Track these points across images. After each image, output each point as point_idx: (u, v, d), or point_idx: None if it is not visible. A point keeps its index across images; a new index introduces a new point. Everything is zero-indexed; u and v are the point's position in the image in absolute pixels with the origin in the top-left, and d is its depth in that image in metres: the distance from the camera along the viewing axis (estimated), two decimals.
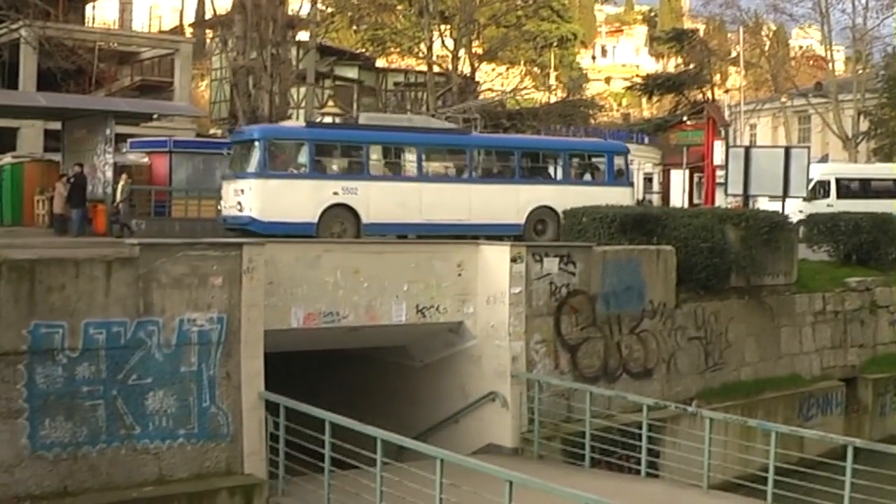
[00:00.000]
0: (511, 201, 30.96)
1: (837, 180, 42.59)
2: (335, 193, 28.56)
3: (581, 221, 26.97)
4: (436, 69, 63.88)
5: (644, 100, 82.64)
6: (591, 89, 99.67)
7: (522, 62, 74.31)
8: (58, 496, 15.68)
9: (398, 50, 71.36)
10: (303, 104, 59.25)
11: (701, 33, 76.81)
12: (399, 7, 70.60)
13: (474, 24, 64.62)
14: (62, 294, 15.88)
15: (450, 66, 63.87)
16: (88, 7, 67.07)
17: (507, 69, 71.51)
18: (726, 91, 76.46)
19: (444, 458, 14.83)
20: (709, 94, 62.89)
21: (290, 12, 56.97)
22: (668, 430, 20.87)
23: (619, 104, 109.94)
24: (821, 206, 37.45)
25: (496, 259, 21.69)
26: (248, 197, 27.78)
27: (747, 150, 35.00)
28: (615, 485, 18.50)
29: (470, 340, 21.84)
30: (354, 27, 76.11)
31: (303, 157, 29.29)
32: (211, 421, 17.16)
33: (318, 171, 29.17)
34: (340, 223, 28.39)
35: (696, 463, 19.21)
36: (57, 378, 15.84)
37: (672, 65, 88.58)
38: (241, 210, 28.02)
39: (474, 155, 31.96)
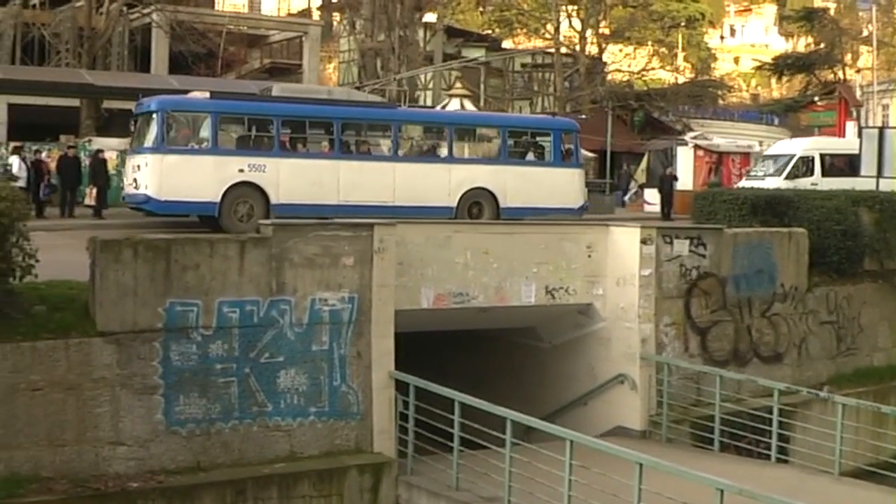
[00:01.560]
0: (441, 182, 29.24)
1: (822, 156, 39.46)
2: (240, 171, 26.90)
3: (712, 203, 26.50)
4: (563, 50, 63.60)
5: (773, 80, 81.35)
6: (720, 69, 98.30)
7: (650, 42, 73.54)
8: (191, 471, 15.93)
9: (525, 31, 71.14)
10: (430, 86, 59.49)
11: (832, 12, 75.46)
12: None
13: (601, 5, 64.15)
14: (197, 273, 16.14)
15: (577, 47, 63.58)
16: None
17: (635, 49, 70.81)
18: (858, 71, 74.92)
19: (574, 439, 14.81)
20: (840, 75, 61.63)
21: None
22: (799, 415, 20.56)
23: (748, 85, 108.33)
24: (804, 185, 36.01)
25: (626, 240, 21.50)
26: (145, 174, 26.19)
27: (881, 130, 33.73)
28: (744, 469, 18.26)
29: (599, 322, 21.70)
30: (481, 8, 76.12)
31: (205, 131, 27.45)
32: (341, 399, 17.31)
33: (221, 146, 27.34)
34: (246, 203, 26.86)
35: (826, 449, 18.88)
36: (191, 355, 16.11)
37: (802, 44, 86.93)
38: (136, 188, 26.66)
39: (400, 131, 30.04)
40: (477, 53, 67.02)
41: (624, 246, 21.52)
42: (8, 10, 51.84)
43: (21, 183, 28.63)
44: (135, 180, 26.88)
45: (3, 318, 14.95)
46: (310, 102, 29.23)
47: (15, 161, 32.43)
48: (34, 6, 53.40)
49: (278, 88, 30.96)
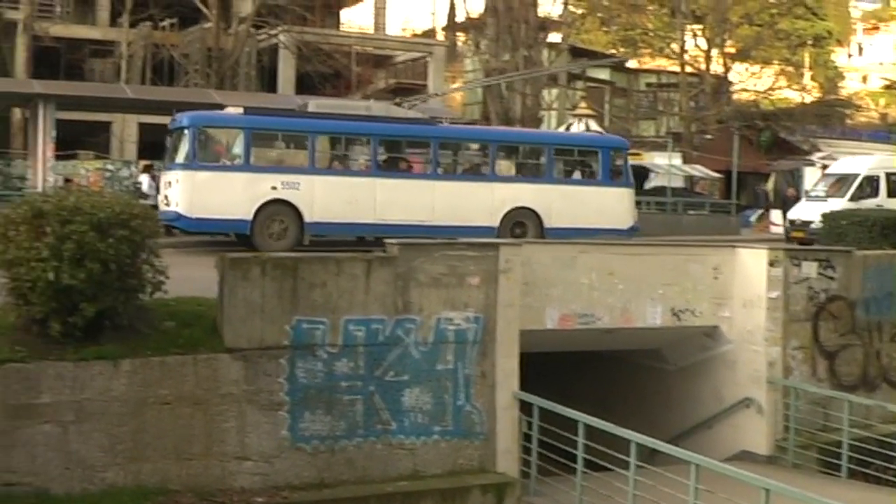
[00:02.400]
0: (483, 201, 28.58)
1: (889, 176, 37.29)
2: (273, 188, 26.54)
3: (840, 225, 26.03)
4: (688, 69, 63.10)
5: None
6: (847, 88, 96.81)
7: (776, 61, 72.65)
8: (315, 487, 15.99)
9: (650, 50, 70.72)
10: (555, 105, 59.38)
11: None
12: (650, 7, 70.02)
13: (727, 23, 63.53)
14: (324, 291, 16.24)
15: (702, 66, 63.03)
16: (344, 12, 68.67)
17: (761, 69, 69.99)
18: None
19: (699, 463, 14.63)
20: None
21: (541, 14, 57.10)
22: None
23: (877, 104, 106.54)
24: (868, 207, 34.56)
25: (753, 262, 21.22)
26: (176, 191, 25.89)
27: None
28: (874, 497, 17.93)
29: (725, 345, 21.43)
30: (605, 28, 75.83)
31: (238, 148, 27.26)
32: (465, 419, 17.28)
33: (254, 163, 27.03)
34: (280, 222, 26.47)
35: None
36: (317, 373, 16.19)
37: None
38: (168, 205, 26.31)
39: (440, 148, 29.39)
40: (601, 73, 66.81)
41: (751, 268, 21.24)
42: (139, 31, 52.91)
43: (151, 201, 29.16)
44: (166, 197, 26.86)
45: (133, 334, 15.20)
46: (347, 118, 28.74)
47: (145, 179, 33.06)
48: (164, 28, 54.41)
49: (314, 104, 30.52)
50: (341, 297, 16.34)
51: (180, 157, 26.90)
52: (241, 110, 28.60)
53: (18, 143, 48.27)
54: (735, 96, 67.25)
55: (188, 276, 17.05)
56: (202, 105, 39.41)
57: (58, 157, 39.61)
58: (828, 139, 63.54)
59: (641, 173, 53.18)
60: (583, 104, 49.37)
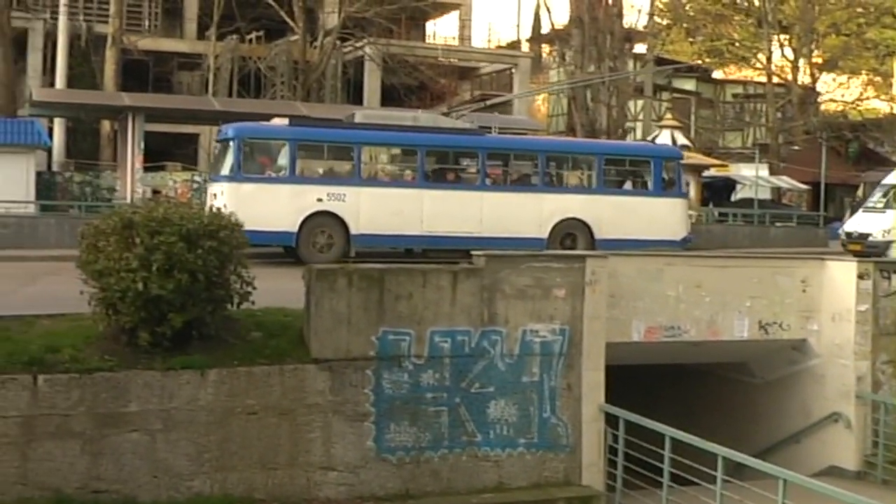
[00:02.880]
0: (531, 212, 28.21)
1: None
2: (319, 200, 26.37)
3: None
4: (775, 80, 62.56)
5: None
6: None
7: (864, 71, 71.85)
8: (399, 498, 16.00)
9: (736, 61, 70.24)
10: (640, 117, 59.15)
11: None
12: (736, 18, 69.57)
13: (814, 33, 62.95)
14: (409, 303, 16.25)
15: (789, 77, 62.47)
16: (429, 24, 68.90)
17: (849, 79, 69.27)
18: None
19: (787, 478, 14.43)
20: None
21: (626, 25, 56.97)
22: None
23: None
24: None
25: (842, 275, 20.89)
26: (221, 203, 25.00)
27: None
28: None
29: (813, 359, 21.12)
30: (691, 39, 75.45)
31: (283, 159, 27.12)
32: (551, 431, 17.19)
33: (299, 174, 26.95)
34: (325, 233, 26.27)
35: None
36: (403, 384, 16.19)
37: None
38: None
39: (488, 159, 28.91)
40: (687, 84, 66.46)
41: (840, 281, 20.91)
42: (226, 44, 53.43)
43: None
44: (211, 208, 26.71)
45: (221, 344, 15.31)
46: (393, 129, 28.56)
47: None
48: (251, 40, 54.90)
49: (361, 115, 30.35)
50: (427, 309, 16.33)
51: (225, 169, 26.98)
52: (286, 121, 28.66)
53: (107, 156, 48.92)
54: (822, 107, 66.59)
55: (273, 287, 17.14)
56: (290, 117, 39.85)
57: (146, 169, 40.10)
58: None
59: (728, 185, 52.86)
60: (668, 115, 49.11)
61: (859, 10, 66.25)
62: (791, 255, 24.67)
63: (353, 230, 26.79)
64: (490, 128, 31.09)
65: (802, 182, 54.78)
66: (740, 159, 58.25)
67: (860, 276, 20.68)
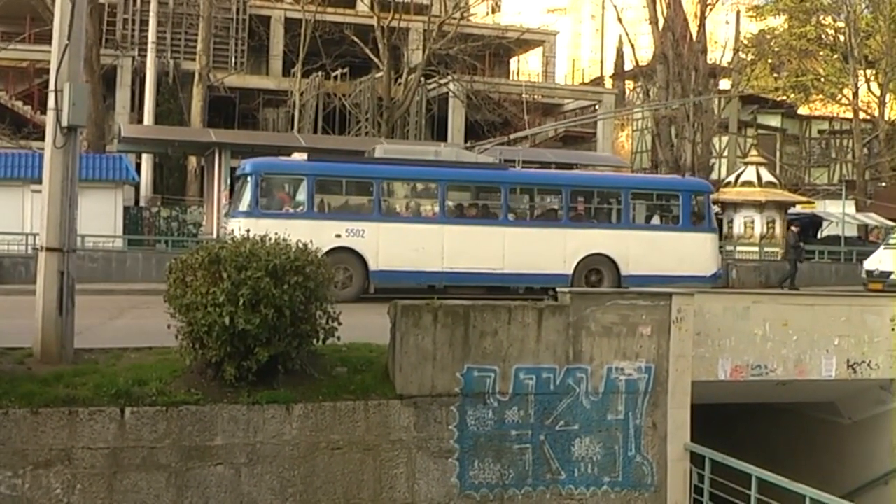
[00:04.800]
0: (555, 248, 27.74)
1: None
2: (338, 236, 26.18)
3: None
4: (861, 115, 61.95)
5: None
6: None
7: None
8: None
9: (821, 96, 69.67)
10: (725, 153, 58.81)
11: None
12: (822, 53, 69.07)
13: None
14: (494, 339, 16.21)
15: (876, 112, 61.82)
16: (513, 61, 69.09)
17: None
18: None
19: None
20: None
21: (711, 61, 56.75)
22: None
23: None
24: None
25: None
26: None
27: None
28: None
29: None
30: (775, 74, 74.98)
31: (301, 195, 27.02)
32: (636, 470, 17.04)
33: (318, 210, 26.73)
34: (344, 270, 25.81)
35: None
36: (487, 421, 16.13)
37: None
38: None
39: (510, 193, 28.43)
40: (773, 120, 66.01)
41: None
42: (311, 81, 53.90)
43: None
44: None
45: (306, 379, 15.36)
46: (414, 164, 28.36)
47: None
48: (335, 77, 55.33)
49: (381, 149, 30.20)
50: (512, 346, 16.29)
51: (243, 205, 26.94)
52: (304, 156, 28.65)
53: (194, 191, 49.48)
54: None
55: (357, 323, 17.18)
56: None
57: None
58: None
59: (815, 222, 52.34)
60: (753, 152, 48.74)
61: None
62: (880, 294, 24.21)
63: (373, 266, 26.70)
64: (515, 161, 30.72)
65: (889, 219, 54.10)
66: (826, 196, 57.69)
67: None
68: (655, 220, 30.39)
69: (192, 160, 50.18)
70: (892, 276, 31.93)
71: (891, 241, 36.76)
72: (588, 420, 16.76)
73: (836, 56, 67.35)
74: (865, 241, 54.25)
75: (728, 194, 43.71)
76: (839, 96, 65.24)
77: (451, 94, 53.94)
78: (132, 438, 14.25)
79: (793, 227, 40.17)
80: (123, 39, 54.80)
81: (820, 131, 69.67)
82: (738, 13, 64.76)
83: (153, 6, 52.28)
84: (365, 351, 16.68)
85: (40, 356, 15.50)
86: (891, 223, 54.00)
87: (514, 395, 16.26)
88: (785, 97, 71.16)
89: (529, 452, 16.39)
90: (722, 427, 20.73)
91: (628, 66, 69.42)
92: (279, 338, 14.69)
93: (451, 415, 15.88)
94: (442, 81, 54.07)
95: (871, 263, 34.37)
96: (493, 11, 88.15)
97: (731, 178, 45.99)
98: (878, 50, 63.01)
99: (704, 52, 54.56)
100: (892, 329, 20.65)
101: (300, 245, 15.50)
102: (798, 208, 49.33)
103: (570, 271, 28.00)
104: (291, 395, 14.99)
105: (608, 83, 75.96)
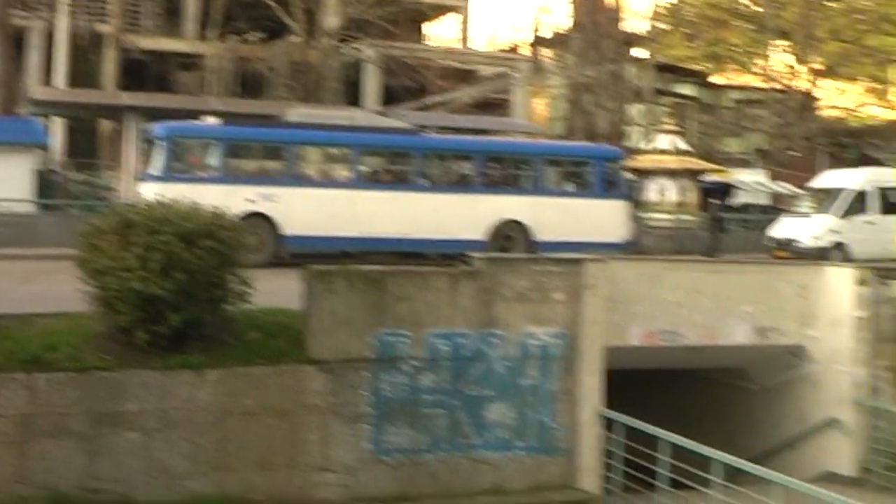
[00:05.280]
0: (468, 214, 27.82)
1: (882, 190, 34.34)
2: (249, 200, 25.98)
3: None
4: (774, 86, 62.54)
5: None
6: None
7: (863, 78, 71.84)
8: (396, 501, 16.00)
9: (735, 66, 70.25)
10: (640, 122, 59.13)
11: None
12: (736, 23, 69.60)
13: (813, 39, 62.96)
14: (408, 305, 16.24)
15: (789, 83, 62.47)
16: (430, 26, 68.85)
17: (848, 85, 69.32)
18: None
19: (784, 483, 14.46)
20: None
21: (627, 29, 57.00)
22: None
23: None
24: (859, 223, 32.77)
25: (841, 281, 20.91)
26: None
27: None
28: None
29: (811, 365, 21.15)
30: (690, 44, 75.43)
31: (213, 159, 26.89)
32: (549, 435, 17.18)
33: (229, 174, 26.58)
34: (257, 235, 25.33)
35: None
36: (401, 386, 16.19)
37: None
38: None
39: (424, 159, 28.68)
40: (687, 89, 66.41)
41: (838, 287, 20.94)
42: (226, 44, 53.37)
43: None
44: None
45: (219, 344, 15.30)
46: (327, 129, 28.22)
47: None
48: (250, 41, 54.80)
49: (294, 114, 30.01)
50: (426, 311, 16.33)
51: (155, 169, 26.62)
52: (218, 120, 28.49)
53: (107, 155, 48.82)
54: (822, 113, 66.59)
55: (274, 288, 17.12)
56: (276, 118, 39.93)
57: None
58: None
59: (727, 190, 52.82)
60: (668, 120, 49.01)
61: (859, 16, 66.26)
62: (790, 262, 24.55)
63: (286, 232, 26.54)
64: (428, 128, 30.33)
65: (801, 188, 54.75)
66: (739, 164, 58.20)
67: (859, 282, 20.70)
68: (568, 186, 30.38)
69: (105, 123, 49.52)
70: (797, 244, 32.19)
71: (796, 210, 37.06)
72: (502, 385, 16.86)
73: (750, 26, 67.87)
74: (778, 209, 54.85)
75: (642, 162, 43.84)
76: (753, 66, 65.83)
77: (366, 59, 53.67)
78: (43, 404, 14.14)
79: (714, 199, 40.36)
80: (35, 0, 53.87)
81: (733, 100, 70.16)
82: None
83: None
84: (279, 316, 16.61)
85: None
86: (802, 192, 54.72)
87: (428, 361, 16.33)
88: (700, 66, 71.62)
89: (443, 417, 16.49)
90: (638, 394, 20.93)
91: (547, 34, 69.50)
92: (192, 303, 14.61)
93: (365, 380, 15.91)
94: (357, 46, 53.80)
95: (777, 231, 34.58)
96: None
97: (646, 145, 46.22)
98: (791, 21, 63.61)
99: (620, 19, 54.83)
100: (802, 296, 20.97)
101: (213, 209, 15.35)
102: (711, 176, 49.70)
103: (485, 237, 27.96)
104: (204, 360, 14.94)
105: (525, 50, 75.96)
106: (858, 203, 33.90)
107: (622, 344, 18.80)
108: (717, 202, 39.66)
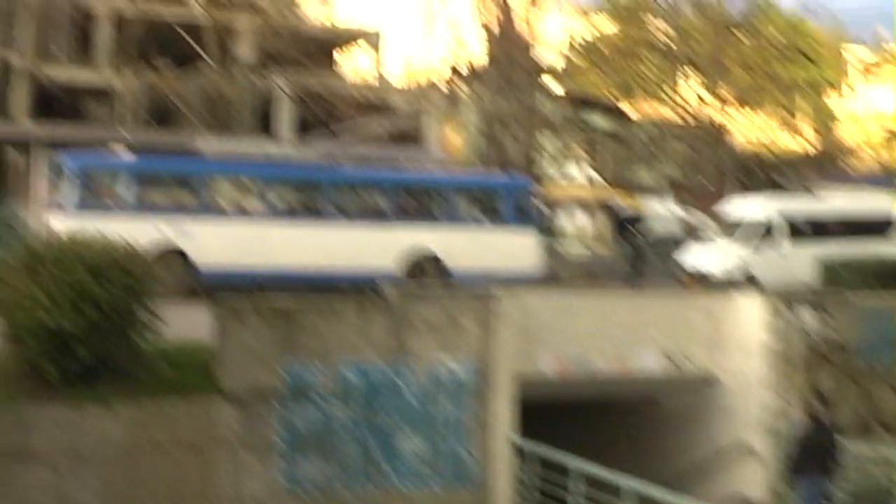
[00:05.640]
0: (380, 245, 27.69)
1: (790, 220, 34.37)
2: (162, 234, 25.51)
3: (836, 271, 25.89)
4: (685, 116, 63.16)
5: None
6: (846, 136, 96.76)
7: (772, 107, 72.75)
8: None
9: (647, 97, 70.86)
10: (552, 152, 59.48)
11: None
12: (646, 53, 70.28)
13: (722, 68, 63.68)
14: (318, 336, 16.25)
15: (700, 114, 63.11)
16: (341, 56, 68.87)
17: (757, 115, 70.10)
18: None
19: None
20: None
21: (540, 62, 57.36)
22: None
23: (877, 152, 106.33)
24: (770, 255, 33.09)
25: (749, 308, 21.18)
26: None
27: None
28: None
29: (722, 391, 21.42)
30: (601, 74, 76.04)
31: (125, 191, 26.37)
32: (462, 466, 17.23)
33: (141, 206, 26.12)
34: (169, 268, 24.77)
35: None
36: (312, 417, 16.20)
37: None
38: None
39: (335, 190, 28.55)
40: (598, 119, 66.90)
41: (747, 313, 21.20)
42: (138, 76, 53.07)
43: None
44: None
45: (130, 378, 15.19)
46: (240, 161, 28.23)
47: None
48: (164, 73, 54.53)
49: (206, 145, 29.93)
50: (337, 342, 16.35)
51: (64, 200, 26.15)
52: (128, 151, 28.15)
53: (17, 188, 48.26)
54: (732, 143, 67.33)
55: (183, 322, 17.04)
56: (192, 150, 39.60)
57: None
58: (827, 186, 63.51)
59: (639, 219, 53.27)
60: (579, 150, 49.40)
61: (767, 46, 67.11)
62: (699, 290, 24.81)
63: (198, 264, 26.20)
64: (339, 158, 30.16)
65: (711, 217, 55.34)
66: (651, 194, 58.71)
67: (766, 310, 20.95)
68: (480, 217, 30.23)
69: (15, 155, 48.97)
70: (707, 272, 32.49)
71: (705, 239, 37.33)
72: (413, 416, 16.91)
73: (661, 58, 68.53)
74: (688, 238, 55.38)
75: (554, 192, 44.24)
76: (663, 96, 66.40)
77: (278, 90, 53.56)
78: None
79: (629, 226, 40.50)
80: None
81: (645, 131, 70.69)
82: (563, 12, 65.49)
83: None
84: (190, 349, 16.50)
85: None
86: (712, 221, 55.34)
87: (339, 392, 16.32)
88: (611, 97, 72.18)
89: (356, 449, 16.50)
90: (552, 425, 21.05)
91: (460, 66, 69.78)
92: (102, 337, 14.52)
93: (276, 411, 15.89)
94: (269, 77, 53.70)
95: (686, 260, 34.81)
96: (324, 2, 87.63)
97: (558, 175, 46.57)
98: (699, 51, 64.33)
99: (532, 50, 55.13)
100: (712, 323, 21.20)
101: (123, 243, 15.26)
102: (623, 206, 50.16)
103: (397, 268, 27.82)
104: (114, 395, 14.82)
105: (440, 83, 76.20)
106: (766, 231, 34.08)
107: (534, 373, 18.89)
108: (635, 231, 39.81)
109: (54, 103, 52.88)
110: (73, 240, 15.11)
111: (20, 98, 47.69)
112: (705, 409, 21.83)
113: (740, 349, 21.20)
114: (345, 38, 59.82)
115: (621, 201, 48.11)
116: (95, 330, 14.36)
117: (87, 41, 56.50)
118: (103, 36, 56.54)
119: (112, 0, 56.30)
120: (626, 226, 49.79)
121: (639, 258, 37.64)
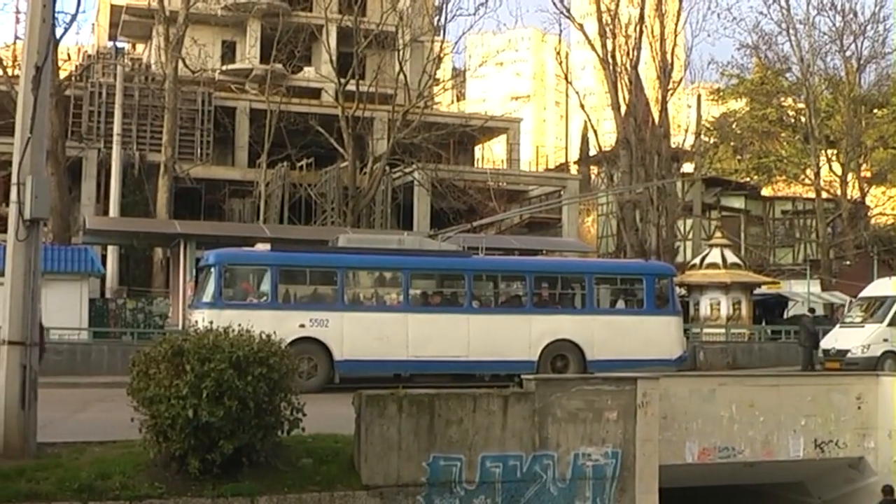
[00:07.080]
0: (520, 334, 27.73)
1: None
2: (302, 326, 26.08)
3: None
4: (824, 195, 62.43)
5: None
6: None
7: None
8: None
9: (784, 177, 70.20)
10: (690, 236, 59.12)
11: None
12: (783, 134, 69.69)
13: (861, 147, 62.91)
14: (460, 428, 16.15)
15: (838, 192, 62.32)
16: (478, 148, 69.49)
17: None
18: None
19: None
20: None
21: (673, 145, 57.24)
22: None
23: None
24: None
25: (894, 389, 20.70)
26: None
27: None
28: None
29: (871, 476, 20.77)
30: (738, 156, 75.57)
31: (264, 285, 27.03)
32: None
33: (281, 300, 26.75)
34: (309, 360, 25.58)
35: None
36: None
37: None
38: None
39: (474, 281, 28.57)
40: (736, 202, 66.42)
41: (895, 396, 20.68)
42: (276, 171, 54.04)
43: None
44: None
45: (271, 471, 15.23)
46: (377, 252, 28.39)
47: None
48: (301, 167, 55.48)
49: (344, 239, 30.33)
50: (478, 434, 16.23)
51: (207, 296, 26.82)
52: (268, 247, 28.71)
53: (160, 282, 49.31)
54: (873, 221, 66.30)
55: (323, 413, 17.09)
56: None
57: None
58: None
59: (780, 302, 52.53)
60: (718, 234, 49.01)
61: None
62: (846, 373, 24.26)
63: (337, 356, 26.51)
64: (478, 249, 30.67)
65: (853, 297, 54.37)
66: (792, 276, 57.96)
67: None
68: (620, 304, 30.34)
69: (158, 251, 50.08)
70: (849, 354, 31.88)
71: (846, 320, 36.72)
72: None
73: (797, 137, 67.96)
74: (832, 319, 54.41)
75: (693, 277, 43.86)
76: (801, 177, 65.74)
77: (415, 182, 54.13)
78: None
79: (807, 313, 39.95)
80: (89, 131, 54.84)
81: (783, 212, 69.96)
82: (699, 97, 65.46)
83: (118, 99, 52.48)
84: (330, 441, 16.55)
85: (2, 451, 15.30)
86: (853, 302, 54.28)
87: (480, 484, 16.17)
88: (748, 178, 71.67)
89: None
90: None
91: (592, 151, 69.90)
92: (243, 430, 14.58)
93: None
94: (407, 170, 54.29)
95: (827, 342, 34.25)
96: (458, 100, 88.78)
97: (696, 260, 46.22)
98: (838, 130, 63.66)
99: (667, 136, 55.07)
100: (858, 407, 20.71)
101: (264, 336, 15.39)
102: (763, 289, 49.50)
103: (536, 357, 27.85)
104: (256, 488, 14.84)
105: (573, 169, 76.42)
106: None
107: (677, 462, 18.58)
108: (810, 315, 38.98)
109: (195, 199, 54.14)
110: (216, 333, 15.26)
111: (162, 195, 48.83)
112: (854, 494, 21.24)
113: (890, 432, 20.63)
114: (481, 129, 60.25)
115: (762, 284, 47.42)
116: (237, 422, 14.44)
117: (226, 139, 57.91)
118: (242, 133, 57.90)
119: (251, 97, 57.69)
120: (767, 309, 49.14)
121: (814, 343, 36.67)
